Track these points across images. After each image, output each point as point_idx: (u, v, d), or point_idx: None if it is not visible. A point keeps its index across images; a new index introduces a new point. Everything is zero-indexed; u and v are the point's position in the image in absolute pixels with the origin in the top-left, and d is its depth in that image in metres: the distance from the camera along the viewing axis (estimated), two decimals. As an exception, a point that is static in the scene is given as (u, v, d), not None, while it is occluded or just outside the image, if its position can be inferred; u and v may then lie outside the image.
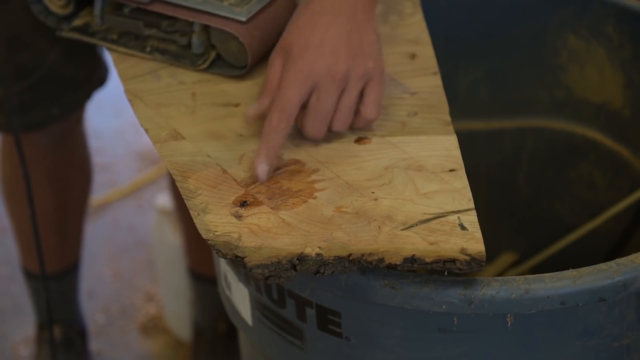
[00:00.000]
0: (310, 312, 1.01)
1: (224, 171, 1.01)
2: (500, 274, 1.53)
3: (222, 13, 1.11)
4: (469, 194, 0.98)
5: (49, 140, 1.59)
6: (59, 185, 1.65)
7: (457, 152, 1.03)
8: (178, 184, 1.00)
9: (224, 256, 0.92)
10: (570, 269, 0.94)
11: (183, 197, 0.99)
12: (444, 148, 1.04)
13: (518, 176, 1.52)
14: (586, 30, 1.37)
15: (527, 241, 1.53)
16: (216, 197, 0.98)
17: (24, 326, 2.01)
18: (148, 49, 1.16)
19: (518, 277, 0.93)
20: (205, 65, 1.14)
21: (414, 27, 1.22)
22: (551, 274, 0.93)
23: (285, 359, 1.08)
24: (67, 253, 1.74)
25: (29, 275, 1.76)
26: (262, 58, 1.13)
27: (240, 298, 1.11)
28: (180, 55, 1.15)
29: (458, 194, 0.98)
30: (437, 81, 1.13)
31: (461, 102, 1.44)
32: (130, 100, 1.11)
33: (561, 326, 0.97)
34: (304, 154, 1.04)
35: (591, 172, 1.44)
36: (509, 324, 0.95)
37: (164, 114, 1.09)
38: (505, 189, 1.53)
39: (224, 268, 1.13)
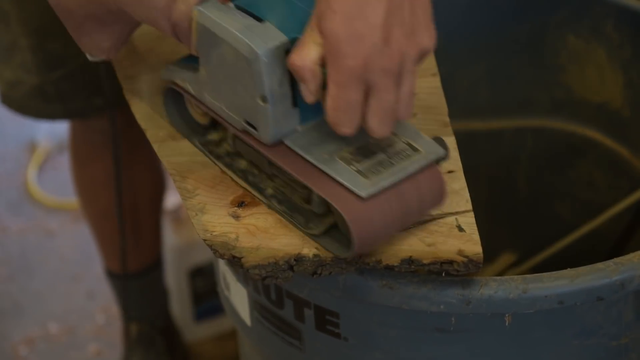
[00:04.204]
0: (309, 313, 1.01)
1: (223, 171, 1.01)
2: (500, 274, 1.53)
3: (341, 179, 0.89)
4: (467, 196, 0.98)
5: (108, 138, 1.58)
6: (125, 184, 1.63)
7: (455, 154, 1.03)
8: (176, 184, 1.00)
9: (222, 256, 0.92)
10: (568, 269, 0.94)
11: (181, 197, 0.99)
12: (442, 149, 1.04)
13: (518, 176, 1.52)
14: (586, 30, 1.36)
15: (526, 241, 1.53)
16: (214, 197, 0.98)
17: (24, 326, 2.01)
18: (269, 192, 0.97)
19: (516, 277, 0.93)
20: (316, 231, 0.93)
21: (413, 27, 1.21)
22: (549, 273, 0.93)
23: (283, 359, 1.08)
24: (142, 253, 1.74)
25: (108, 274, 1.77)
26: (376, 245, 0.93)
27: (239, 298, 1.11)
28: (298, 209, 0.95)
29: (456, 195, 0.98)
30: (436, 82, 1.13)
31: (461, 102, 1.44)
32: (129, 100, 1.11)
33: (559, 325, 0.97)
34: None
35: (591, 172, 1.44)
36: (507, 324, 0.95)
37: (163, 113, 1.09)
38: (505, 189, 1.53)
39: (223, 268, 1.13)
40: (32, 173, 2.40)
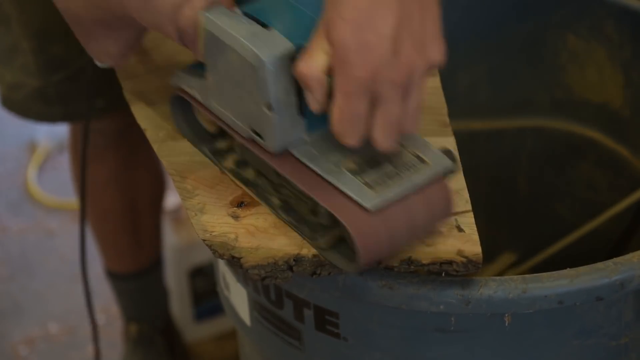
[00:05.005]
0: (308, 313, 1.01)
1: (222, 171, 1.01)
2: (500, 274, 1.53)
3: (347, 191, 0.87)
4: (467, 196, 0.98)
5: (109, 140, 1.59)
6: (125, 185, 1.65)
7: (455, 154, 1.03)
8: (176, 184, 1.00)
9: (221, 257, 0.92)
10: (568, 269, 0.94)
11: (180, 197, 0.99)
12: (442, 149, 1.04)
13: (518, 176, 1.52)
14: (586, 30, 1.36)
15: (527, 241, 1.53)
16: (214, 197, 0.98)
17: (24, 326, 2.01)
18: (275, 202, 0.95)
19: (515, 277, 0.93)
20: (323, 244, 0.91)
21: (413, 27, 1.21)
22: (548, 273, 0.93)
23: (283, 359, 1.08)
24: (142, 253, 1.75)
25: (108, 274, 1.78)
26: (381, 258, 0.91)
27: (238, 299, 1.11)
28: (305, 220, 0.93)
29: (455, 195, 0.97)
30: (436, 82, 1.13)
31: (461, 102, 1.44)
32: (128, 100, 1.11)
33: (559, 325, 0.97)
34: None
35: (591, 172, 1.44)
36: (506, 324, 0.95)
37: (163, 113, 1.09)
38: (505, 189, 1.53)
39: (223, 269, 1.13)
40: (32, 173, 2.40)
